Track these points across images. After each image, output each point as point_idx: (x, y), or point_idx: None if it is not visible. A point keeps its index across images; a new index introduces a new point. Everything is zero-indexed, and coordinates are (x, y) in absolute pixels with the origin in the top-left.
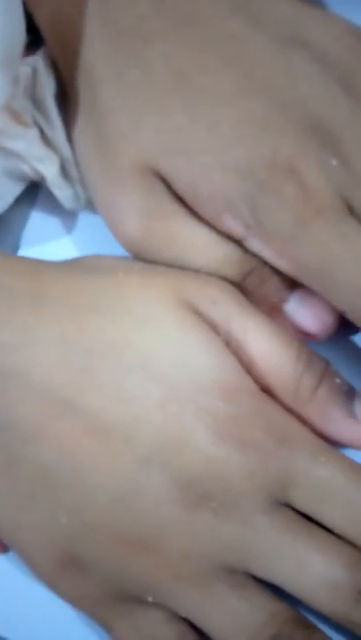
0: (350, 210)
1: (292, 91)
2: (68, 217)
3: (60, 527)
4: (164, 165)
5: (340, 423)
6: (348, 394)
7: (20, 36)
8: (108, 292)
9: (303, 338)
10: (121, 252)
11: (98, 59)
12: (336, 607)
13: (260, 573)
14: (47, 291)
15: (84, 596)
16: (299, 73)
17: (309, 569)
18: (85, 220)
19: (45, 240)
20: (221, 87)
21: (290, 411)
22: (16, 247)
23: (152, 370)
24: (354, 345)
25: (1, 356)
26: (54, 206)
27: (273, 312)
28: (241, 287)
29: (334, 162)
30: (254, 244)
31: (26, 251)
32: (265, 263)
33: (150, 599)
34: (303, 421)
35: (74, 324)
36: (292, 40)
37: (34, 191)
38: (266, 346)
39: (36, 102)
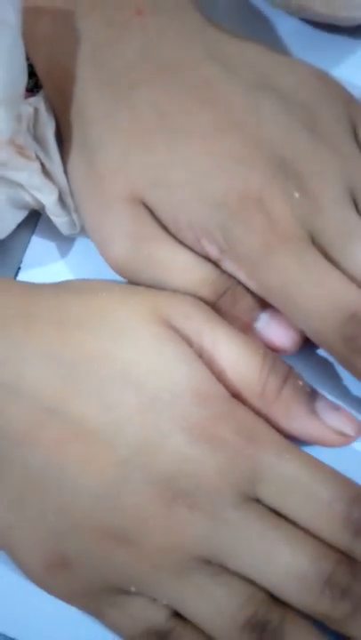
0: (312, 239)
1: (260, 130)
2: (64, 242)
3: (49, 525)
4: (148, 196)
5: (303, 420)
6: (311, 394)
7: (22, 77)
8: (91, 309)
9: (273, 353)
10: (112, 275)
11: (89, 101)
12: (304, 597)
13: (233, 566)
14: (35, 309)
15: (73, 590)
16: (266, 114)
17: (277, 560)
18: (80, 244)
19: (44, 263)
20: (199, 126)
21: (258, 414)
22: (16, 269)
23: (130, 378)
24: (317, 356)
25: None
26: (52, 232)
27: (244, 330)
28: (215, 307)
29: (297, 194)
30: (228, 266)
31: (26, 273)
32: (238, 284)
33: (133, 589)
34: (270, 423)
35: (59, 338)
36: (260, 84)
37: (34, 218)
38: (234, 354)
39: (37, 139)
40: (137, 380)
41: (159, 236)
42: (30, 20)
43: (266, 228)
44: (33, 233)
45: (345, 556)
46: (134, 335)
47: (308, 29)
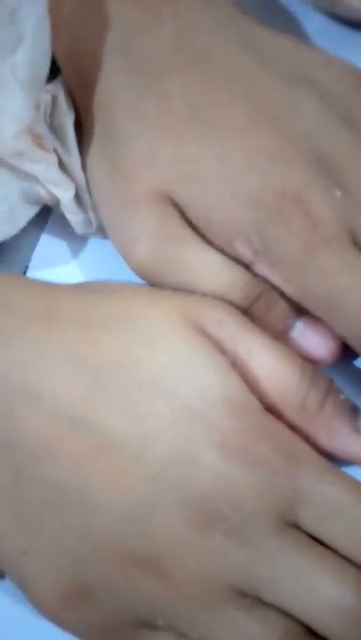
0: (353, 240)
1: (298, 124)
2: (76, 242)
3: (68, 551)
4: (178, 193)
5: (346, 438)
6: (353, 410)
7: (46, 60)
8: (117, 311)
9: (312, 365)
10: (126, 278)
11: (115, 88)
12: (347, 632)
13: (270, 598)
14: (58, 309)
15: (92, 626)
16: (304, 108)
17: (319, 593)
18: (93, 245)
19: (53, 264)
20: (233, 119)
21: (294, 430)
22: (24, 269)
23: (161, 387)
24: (356, 369)
25: (10, 372)
26: (63, 231)
27: (279, 338)
28: (248, 314)
29: (338, 193)
30: (262, 269)
31: (34, 273)
32: (272, 288)
33: (161, 622)
34: (306, 441)
35: (84, 341)
36: (297, 78)
37: (43, 216)
38: (271, 364)
39: (55, 129)
40: (168, 389)
41: (187, 236)
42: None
43: (306, 229)
44: (42, 231)
45: None
46: (165, 340)
47: (334, 27)
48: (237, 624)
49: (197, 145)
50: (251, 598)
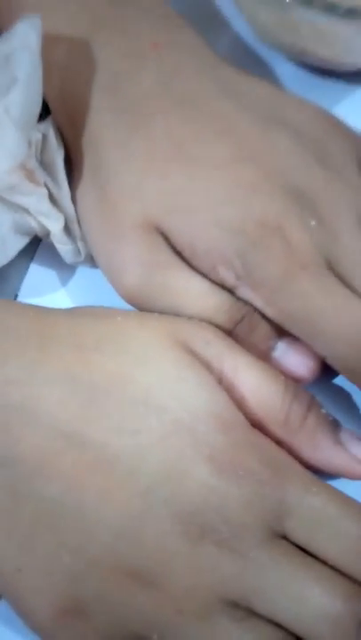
0: (328, 266)
1: (275, 161)
2: (64, 270)
3: (63, 567)
4: (164, 222)
5: (329, 450)
6: (334, 424)
7: (38, 101)
8: (109, 333)
9: (294, 382)
10: (114, 305)
11: (104, 127)
12: None
13: (261, 608)
14: (52, 331)
15: None
16: (280, 147)
17: (308, 602)
18: (80, 273)
19: (42, 292)
20: (216, 155)
21: (279, 445)
22: (14, 298)
23: (153, 403)
24: (335, 387)
25: (7, 391)
26: (52, 260)
27: (262, 358)
28: (232, 335)
29: (313, 222)
30: (245, 293)
31: (23, 302)
32: (254, 311)
33: (155, 637)
34: (292, 455)
35: (78, 361)
36: (273, 119)
37: (32, 246)
38: (255, 381)
39: (45, 165)
40: (159, 405)
41: (174, 263)
42: (45, 45)
43: (285, 255)
44: (31, 261)
45: None
46: (155, 360)
47: (305, 73)
48: (230, 636)
49: (182, 179)
50: (243, 610)
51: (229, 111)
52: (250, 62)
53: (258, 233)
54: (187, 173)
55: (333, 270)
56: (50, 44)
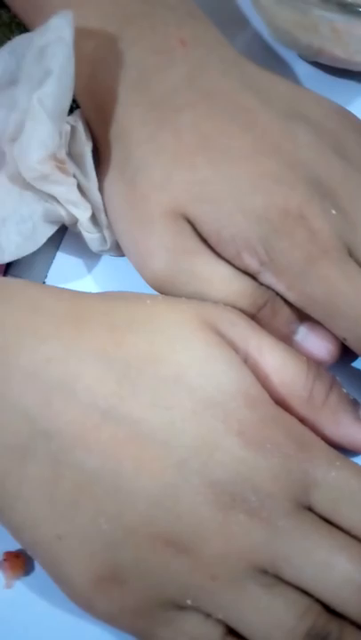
0: (349, 252)
1: (296, 153)
2: (90, 259)
3: (101, 535)
4: (192, 211)
5: (350, 426)
6: (355, 402)
7: (70, 93)
8: (139, 315)
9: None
10: (139, 290)
11: (132, 123)
12: None
13: (289, 575)
14: (86, 312)
15: (123, 609)
16: (300, 140)
17: (335, 569)
18: (106, 262)
19: (69, 279)
20: (240, 147)
21: (302, 423)
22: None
23: (184, 381)
24: (354, 370)
25: (46, 368)
26: (78, 249)
27: (284, 342)
28: (255, 319)
29: (334, 211)
30: (267, 279)
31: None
32: (277, 296)
33: (189, 602)
34: (314, 432)
35: (112, 340)
36: (293, 114)
37: (59, 234)
38: (279, 361)
39: (73, 156)
40: (190, 383)
41: (200, 250)
42: (76, 39)
43: (307, 241)
44: (58, 249)
45: None
46: (185, 339)
47: (319, 73)
48: (260, 601)
49: (209, 170)
50: (272, 576)
51: (252, 106)
52: (265, 61)
53: (281, 220)
54: (213, 165)
55: (353, 257)
56: (80, 38)
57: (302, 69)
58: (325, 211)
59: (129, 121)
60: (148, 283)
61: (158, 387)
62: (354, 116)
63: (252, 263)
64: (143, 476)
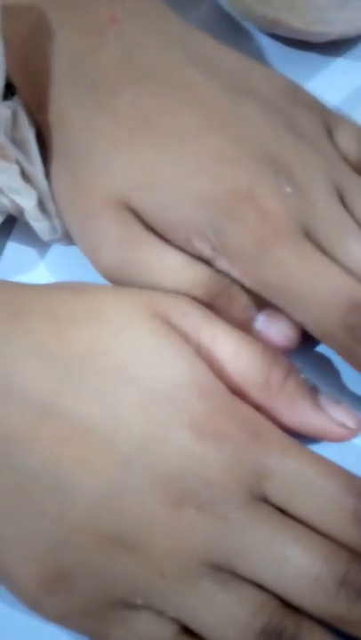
0: (305, 233)
1: (244, 129)
2: (41, 248)
3: (45, 536)
4: (134, 198)
5: (308, 412)
6: (313, 388)
7: (2, 76)
8: (84, 305)
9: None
10: (96, 281)
11: (68, 107)
12: (318, 600)
13: (243, 570)
14: (26, 304)
15: (72, 609)
16: (249, 114)
17: (290, 562)
18: (58, 251)
19: (20, 270)
20: (183, 127)
21: (258, 411)
22: None
23: (130, 373)
24: (317, 354)
25: None
26: (29, 238)
27: (243, 330)
28: (211, 308)
29: (288, 189)
30: (222, 264)
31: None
32: (233, 283)
33: (139, 601)
34: (271, 419)
35: (52, 333)
36: (241, 88)
37: (8, 225)
38: (233, 348)
39: (17, 142)
40: (136, 375)
41: (147, 240)
42: (5, 20)
43: (259, 223)
44: (8, 239)
45: (357, 554)
46: (131, 331)
47: (280, 46)
48: (213, 598)
49: (150, 153)
50: (226, 572)
51: (197, 81)
52: (223, 35)
53: (229, 202)
54: (154, 147)
55: (310, 237)
56: (7, 15)
57: (262, 43)
58: (278, 188)
59: (65, 107)
60: (101, 275)
61: (101, 380)
62: (306, 93)
63: (203, 249)
64: (86, 474)
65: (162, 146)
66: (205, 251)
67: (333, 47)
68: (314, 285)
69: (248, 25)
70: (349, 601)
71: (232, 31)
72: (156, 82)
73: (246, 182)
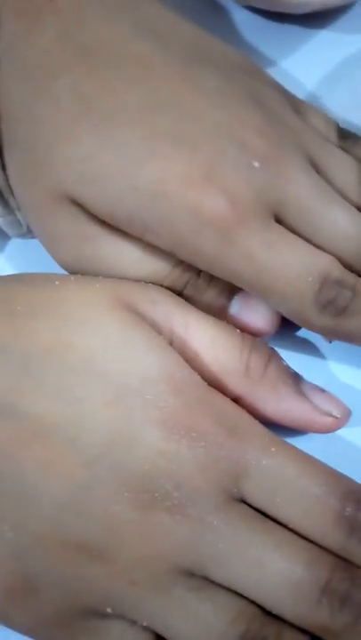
0: (275, 211)
1: (201, 101)
2: (2, 241)
3: (7, 544)
4: (78, 193)
5: (291, 401)
6: (296, 375)
7: None
8: (44, 298)
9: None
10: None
11: (9, 96)
12: (299, 608)
13: (219, 576)
14: None
15: (40, 620)
16: (206, 85)
17: (268, 568)
18: (18, 242)
19: None
20: (128, 107)
21: (238, 402)
22: None
23: (95, 369)
24: (299, 338)
25: None
26: None
27: (219, 318)
28: (183, 297)
29: (255, 163)
30: (184, 257)
31: None
32: (200, 273)
33: (109, 610)
34: (252, 409)
35: (10, 329)
36: (197, 60)
37: None
38: (209, 335)
39: None
40: (102, 370)
41: (100, 234)
42: None
43: (219, 211)
44: None
45: (341, 560)
46: (97, 322)
47: (260, 20)
48: (187, 606)
49: (93, 141)
50: (200, 579)
51: (146, 53)
52: (199, 10)
53: (182, 191)
54: (96, 134)
55: (283, 215)
56: None
57: (242, 17)
58: (242, 165)
59: (8, 95)
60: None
61: (64, 377)
62: (266, 74)
63: (160, 244)
64: (49, 478)
65: (104, 132)
66: (163, 244)
67: (316, 19)
68: (284, 274)
69: None
70: (332, 610)
71: (208, 5)
72: (98, 60)
73: (202, 163)
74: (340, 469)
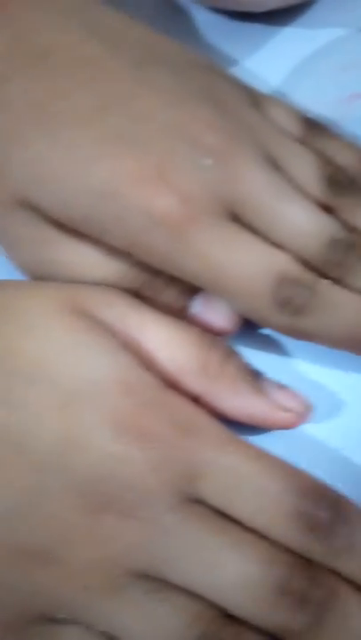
0: (229, 209)
1: (152, 100)
2: None
3: None
4: (32, 197)
5: (249, 397)
6: (254, 372)
7: None
8: None
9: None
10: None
11: None
12: (258, 610)
13: (176, 578)
14: None
15: None
16: (158, 85)
17: (225, 568)
18: None
19: None
20: (78, 108)
21: (196, 401)
22: None
23: (44, 374)
24: (261, 336)
25: None
26: None
27: (180, 318)
28: (142, 299)
29: (208, 161)
30: (140, 256)
31: None
32: (157, 274)
33: (63, 616)
34: (210, 407)
35: None
36: (149, 60)
37: None
38: (164, 335)
39: None
40: (52, 375)
41: (57, 237)
42: None
43: (171, 210)
44: None
45: (300, 559)
46: (44, 327)
47: (221, 20)
48: (143, 609)
49: (44, 143)
50: (157, 581)
51: (98, 55)
52: (160, 11)
53: (134, 191)
54: (47, 136)
55: (239, 212)
56: None
57: (204, 18)
58: (194, 162)
59: None
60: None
61: (11, 383)
62: (223, 70)
63: (116, 244)
64: None
65: (55, 134)
66: (120, 245)
67: (278, 16)
68: (240, 273)
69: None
70: (292, 610)
71: (167, 8)
72: (50, 63)
73: (154, 162)
74: (305, 467)
